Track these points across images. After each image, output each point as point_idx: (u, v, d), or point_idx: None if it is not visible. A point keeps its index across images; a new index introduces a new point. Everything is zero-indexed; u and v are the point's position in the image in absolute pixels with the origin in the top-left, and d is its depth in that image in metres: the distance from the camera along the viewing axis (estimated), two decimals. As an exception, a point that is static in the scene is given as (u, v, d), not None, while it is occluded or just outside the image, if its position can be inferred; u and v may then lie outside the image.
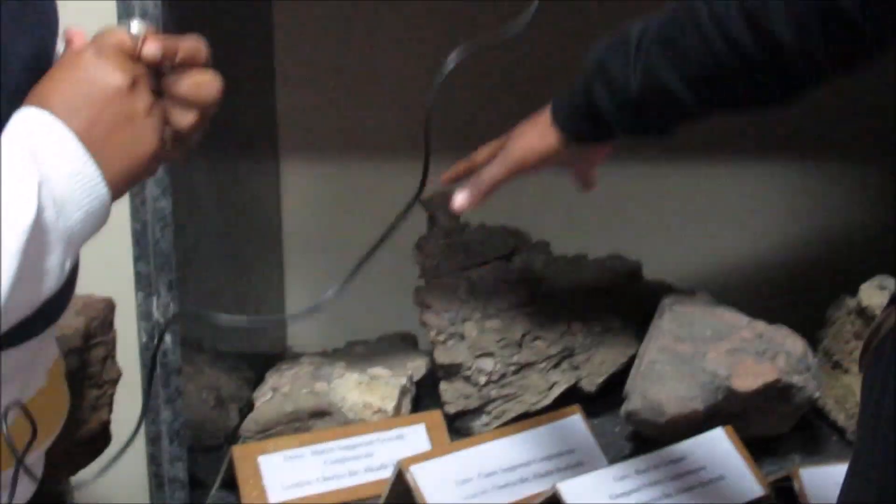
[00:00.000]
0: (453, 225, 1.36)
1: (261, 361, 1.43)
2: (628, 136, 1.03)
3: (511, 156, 1.07)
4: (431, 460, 1.17)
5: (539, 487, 1.17)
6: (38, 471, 0.90)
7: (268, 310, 1.52)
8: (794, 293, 1.55)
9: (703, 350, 1.23)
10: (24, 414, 0.78)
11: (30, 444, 0.78)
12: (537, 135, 1.06)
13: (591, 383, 1.35)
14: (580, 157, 1.10)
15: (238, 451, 1.20)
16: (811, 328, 1.36)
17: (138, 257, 1.11)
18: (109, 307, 1.34)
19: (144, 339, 1.13)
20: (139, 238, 1.10)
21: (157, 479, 1.16)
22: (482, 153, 1.12)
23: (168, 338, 1.12)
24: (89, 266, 1.51)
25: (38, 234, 0.66)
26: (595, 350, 1.36)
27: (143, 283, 1.11)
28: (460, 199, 1.10)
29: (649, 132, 1.02)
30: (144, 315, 1.12)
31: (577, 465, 1.22)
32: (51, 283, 0.69)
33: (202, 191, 1.21)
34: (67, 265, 0.70)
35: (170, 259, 1.10)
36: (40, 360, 0.84)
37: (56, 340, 0.90)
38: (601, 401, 1.36)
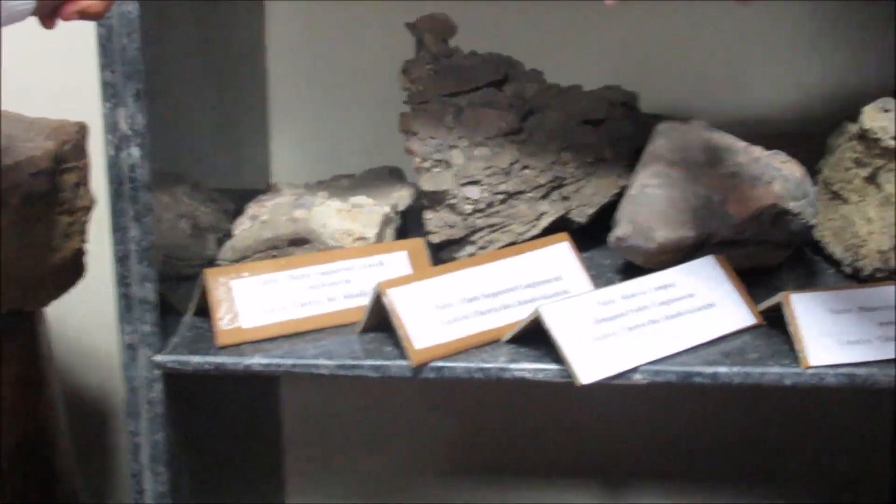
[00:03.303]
0: (442, 49, 1.31)
1: (242, 195, 1.40)
2: None
3: None
4: (411, 284, 1.14)
5: (523, 314, 1.15)
6: None
7: (249, 140, 1.48)
8: (795, 128, 1.52)
9: (696, 174, 1.20)
10: None
11: None
12: None
13: (581, 214, 1.32)
14: None
15: (210, 274, 1.17)
16: (812, 163, 1.32)
17: (104, 65, 1.07)
18: (82, 131, 1.32)
19: (112, 153, 1.09)
20: (105, 44, 1.06)
21: (125, 300, 1.13)
22: None
23: (136, 151, 1.08)
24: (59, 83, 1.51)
25: None
26: (586, 181, 1.32)
27: (110, 93, 1.07)
28: None
29: None
30: (111, 127, 1.08)
31: (563, 293, 1.19)
32: None
33: (175, 2, 1.16)
34: None
35: (137, 66, 1.06)
36: None
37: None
38: (592, 234, 1.32)
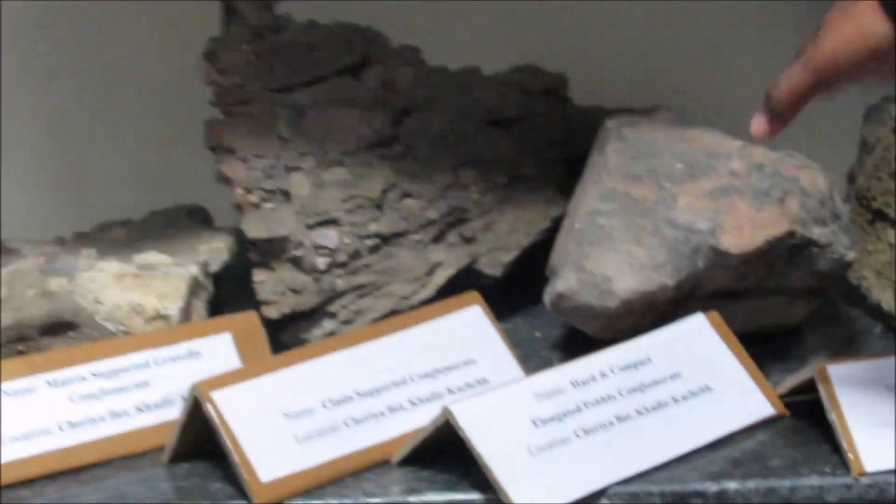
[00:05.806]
0: (266, 19, 1.34)
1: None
2: None
3: (817, 58, 1.11)
4: (245, 382, 1.14)
5: (420, 420, 1.15)
6: None
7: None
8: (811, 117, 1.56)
9: (671, 192, 1.22)
10: None
11: None
12: (854, 29, 1.09)
13: (494, 264, 1.34)
14: None
15: (-74, 384, 1.16)
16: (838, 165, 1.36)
17: None
18: None
19: None
20: None
21: None
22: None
23: None
24: None
25: None
26: (499, 212, 1.35)
27: None
28: (756, 124, 1.15)
29: None
30: None
31: (479, 384, 1.20)
32: None
33: None
34: None
35: None
36: None
37: None
38: (511, 292, 1.35)
